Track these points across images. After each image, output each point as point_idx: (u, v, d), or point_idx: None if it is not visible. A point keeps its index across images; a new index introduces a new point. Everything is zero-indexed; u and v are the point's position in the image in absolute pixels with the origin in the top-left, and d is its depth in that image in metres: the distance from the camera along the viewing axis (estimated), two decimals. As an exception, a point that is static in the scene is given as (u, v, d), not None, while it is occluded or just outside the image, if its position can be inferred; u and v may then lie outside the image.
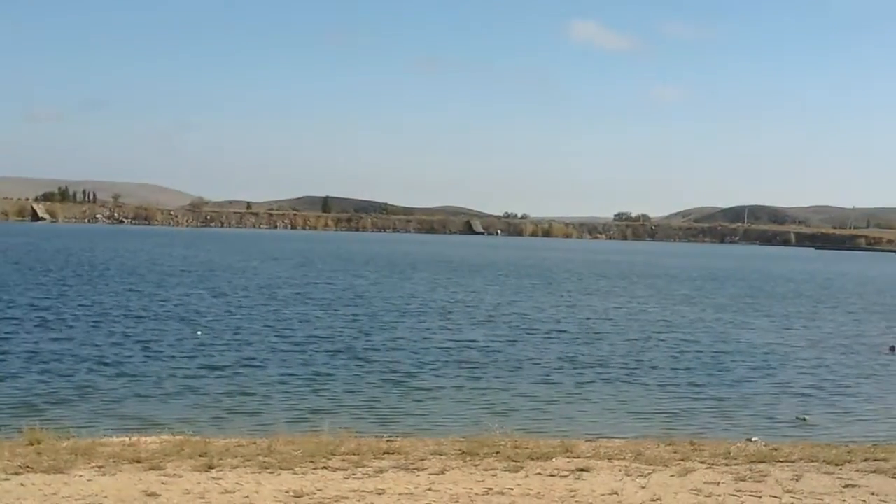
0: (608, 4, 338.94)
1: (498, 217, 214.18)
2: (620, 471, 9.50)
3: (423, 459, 9.73)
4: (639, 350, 24.28)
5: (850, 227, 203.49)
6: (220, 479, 8.72)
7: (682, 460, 10.13)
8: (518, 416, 15.56)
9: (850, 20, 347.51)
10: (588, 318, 31.63)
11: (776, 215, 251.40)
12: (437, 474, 9.10)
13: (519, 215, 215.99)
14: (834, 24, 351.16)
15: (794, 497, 8.63)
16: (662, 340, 26.44)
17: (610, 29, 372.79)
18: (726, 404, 17.57)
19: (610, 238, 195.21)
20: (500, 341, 25.09)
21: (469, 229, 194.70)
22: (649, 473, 9.40)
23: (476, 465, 9.51)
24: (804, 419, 16.21)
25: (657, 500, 8.40)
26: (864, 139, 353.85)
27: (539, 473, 9.25)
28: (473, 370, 20.27)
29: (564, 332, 27.69)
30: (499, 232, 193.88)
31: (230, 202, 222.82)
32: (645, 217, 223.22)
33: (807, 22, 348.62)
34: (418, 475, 9.06)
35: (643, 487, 8.82)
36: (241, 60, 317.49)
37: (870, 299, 45.88)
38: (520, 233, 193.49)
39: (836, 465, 10.15)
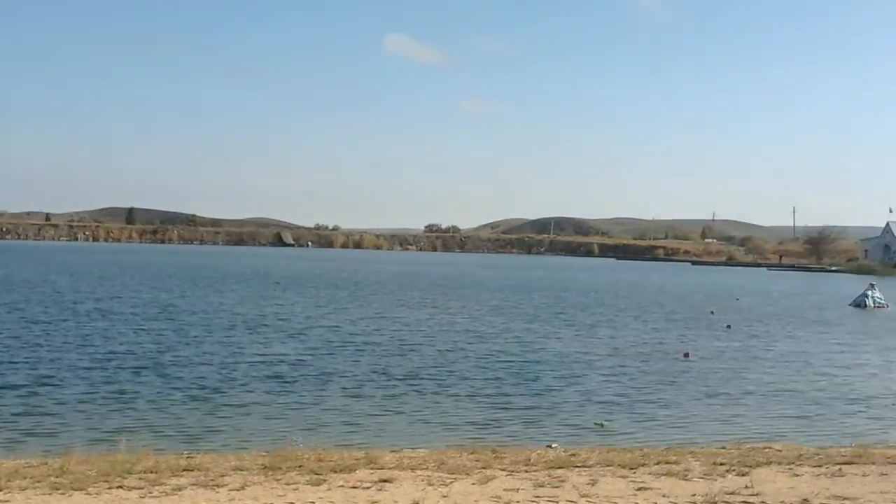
0: (420, 18, 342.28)
1: (309, 229, 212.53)
2: (423, 481, 9.58)
3: (223, 475, 9.56)
4: (450, 361, 24.49)
5: (650, 239, 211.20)
6: (7, 501, 8.35)
7: (484, 468, 10.29)
8: (327, 431, 15.42)
9: (653, 34, 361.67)
10: (400, 330, 31.72)
11: (580, 227, 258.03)
12: (238, 490, 8.96)
13: (330, 227, 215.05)
14: (639, 38, 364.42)
15: (589, 501, 8.89)
16: (473, 351, 26.76)
17: (422, 42, 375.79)
18: (531, 412, 17.88)
19: (420, 249, 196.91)
20: (311, 355, 24.87)
21: (279, 241, 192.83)
22: (451, 482, 9.51)
23: (278, 480, 9.41)
24: (602, 425, 16.71)
25: (458, 508, 8.52)
26: (665, 153, 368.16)
27: (342, 486, 9.23)
28: (283, 385, 19.99)
29: (376, 344, 27.65)
30: (309, 244, 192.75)
31: (28, 213, 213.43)
32: (455, 229, 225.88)
33: (610, 36, 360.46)
34: (218, 491, 8.90)
35: (445, 496, 8.92)
36: (33, 65, 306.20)
37: (668, 307, 47.66)
38: (331, 244, 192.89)
39: (631, 468, 10.52)
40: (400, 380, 21.19)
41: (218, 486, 9.13)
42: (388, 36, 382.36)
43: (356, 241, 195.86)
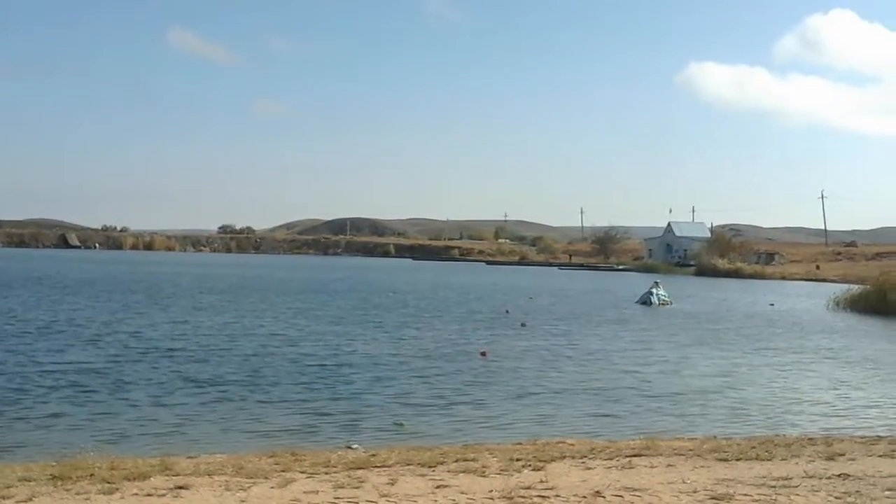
0: (209, 15, 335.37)
1: (96, 230, 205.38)
2: (220, 486, 9.38)
3: (9, 487, 9.10)
4: (256, 366, 23.92)
5: (445, 239, 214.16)
6: None
7: (283, 471, 10.18)
8: (129, 441, 14.77)
9: (445, 35, 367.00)
10: (203, 335, 30.74)
11: (376, 227, 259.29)
12: (25, 502, 8.55)
13: (119, 228, 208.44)
14: (431, 39, 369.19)
15: (389, 500, 8.91)
16: (279, 355, 26.23)
17: (211, 40, 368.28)
18: (333, 415, 17.76)
19: (214, 251, 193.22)
20: (112, 362, 23.71)
21: (64, 243, 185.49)
22: (249, 487, 9.35)
23: (68, 490, 9.02)
24: (401, 425, 16.79)
25: (257, 512, 8.39)
26: (457, 155, 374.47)
27: (135, 494, 8.93)
28: (80, 395, 18.97)
29: (179, 350, 26.65)
30: (97, 245, 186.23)
31: None
32: (249, 230, 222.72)
33: (402, 36, 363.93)
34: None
35: (243, 501, 8.76)
36: None
37: (466, 307, 48.33)
38: (119, 246, 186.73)
39: (430, 467, 10.62)
40: (204, 386, 20.52)
41: (4, 497, 8.69)
42: (174, 30, 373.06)
43: (146, 243, 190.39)
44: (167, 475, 9.84)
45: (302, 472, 10.15)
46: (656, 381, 23.46)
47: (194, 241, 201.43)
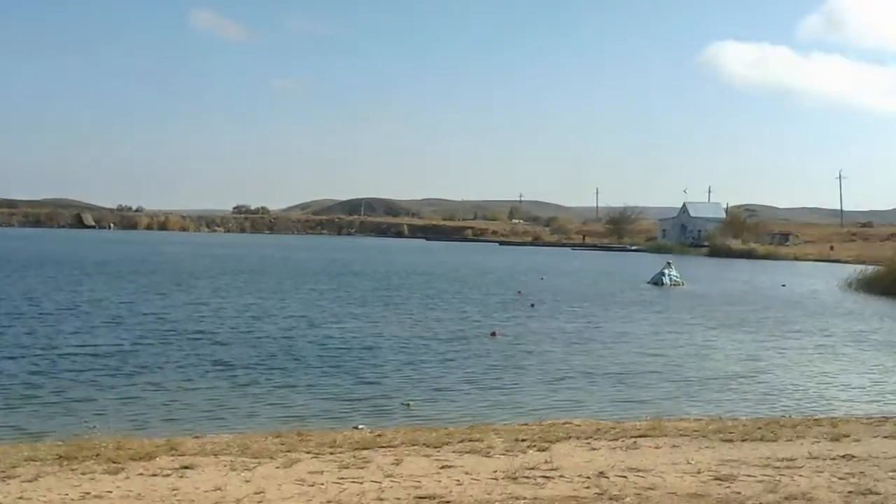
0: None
1: (111, 210, 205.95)
2: (226, 466, 9.45)
3: (15, 467, 9.18)
4: (270, 349, 23.74)
5: (459, 219, 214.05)
6: None
7: (289, 451, 10.24)
8: (146, 424, 14.61)
9: (442, 21, 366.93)
10: (226, 318, 30.63)
11: (391, 208, 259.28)
12: (30, 481, 8.62)
13: (133, 208, 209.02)
14: (444, 25, 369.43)
15: (393, 480, 8.96)
16: (299, 337, 26.21)
17: (227, 18, 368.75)
18: (341, 395, 17.84)
19: (228, 231, 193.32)
20: (139, 344, 23.71)
21: (80, 223, 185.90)
22: (255, 467, 9.42)
23: (73, 470, 9.09)
24: (408, 405, 16.84)
25: (261, 492, 8.43)
26: (475, 137, 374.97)
27: (141, 474, 9.00)
28: (107, 376, 18.94)
29: (205, 332, 26.50)
30: (112, 226, 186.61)
31: None
32: (264, 210, 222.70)
33: (425, 17, 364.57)
34: (9, 483, 8.53)
35: (248, 481, 8.82)
36: None
37: (482, 289, 48.27)
38: (134, 226, 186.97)
39: (435, 447, 10.66)
40: (223, 368, 20.49)
41: (9, 477, 8.76)
42: (193, 11, 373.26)
43: (161, 223, 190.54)
44: (173, 455, 9.90)
45: (307, 453, 10.19)
46: (685, 364, 23.45)
47: (209, 222, 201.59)
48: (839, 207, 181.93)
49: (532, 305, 38.43)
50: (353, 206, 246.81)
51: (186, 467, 9.32)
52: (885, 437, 11.89)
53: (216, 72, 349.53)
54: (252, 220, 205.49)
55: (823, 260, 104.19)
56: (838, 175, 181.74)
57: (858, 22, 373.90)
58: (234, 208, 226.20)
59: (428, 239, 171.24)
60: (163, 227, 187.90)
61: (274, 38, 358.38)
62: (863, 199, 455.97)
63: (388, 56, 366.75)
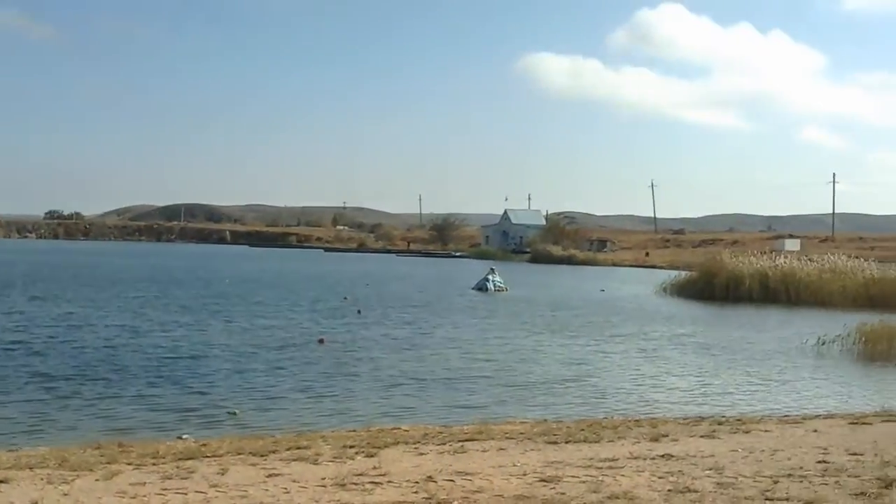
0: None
1: None
2: (42, 479, 9.08)
3: None
4: (101, 358, 23.05)
5: (283, 225, 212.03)
6: None
7: (109, 463, 9.93)
8: None
9: (263, 27, 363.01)
10: (48, 326, 29.47)
11: (212, 213, 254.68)
12: None
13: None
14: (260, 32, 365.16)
15: (219, 490, 8.77)
16: (120, 346, 25.45)
17: (35, 20, 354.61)
18: (168, 406, 17.42)
19: (41, 237, 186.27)
20: None
21: None
22: (73, 479, 9.08)
23: None
24: (235, 413, 16.57)
25: (80, 506, 8.14)
26: (298, 143, 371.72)
27: (-51, 491, 8.56)
28: None
29: (18, 342, 25.47)
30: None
31: None
32: (78, 215, 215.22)
33: (231, 22, 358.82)
34: None
35: (66, 494, 8.49)
36: None
37: (308, 295, 47.83)
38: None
39: (262, 455, 10.51)
40: (39, 380, 19.72)
41: None
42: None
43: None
44: (-15, 470, 9.46)
45: (129, 464, 9.90)
46: (513, 368, 23.82)
47: (19, 227, 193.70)
48: (653, 215, 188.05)
49: (359, 312, 38.38)
50: (172, 212, 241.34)
51: (0, 481, 8.91)
52: (701, 436, 12.33)
53: (22, 72, 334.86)
54: (66, 226, 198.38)
55: (639, 266, 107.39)
56: (650, 184, 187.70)
57: (662, 37, 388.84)
58: (47, 213, 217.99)
59: (251, 245, 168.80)
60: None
61: (81, 39, 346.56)
62: (675, 206, 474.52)
63: (201, 61, 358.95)
